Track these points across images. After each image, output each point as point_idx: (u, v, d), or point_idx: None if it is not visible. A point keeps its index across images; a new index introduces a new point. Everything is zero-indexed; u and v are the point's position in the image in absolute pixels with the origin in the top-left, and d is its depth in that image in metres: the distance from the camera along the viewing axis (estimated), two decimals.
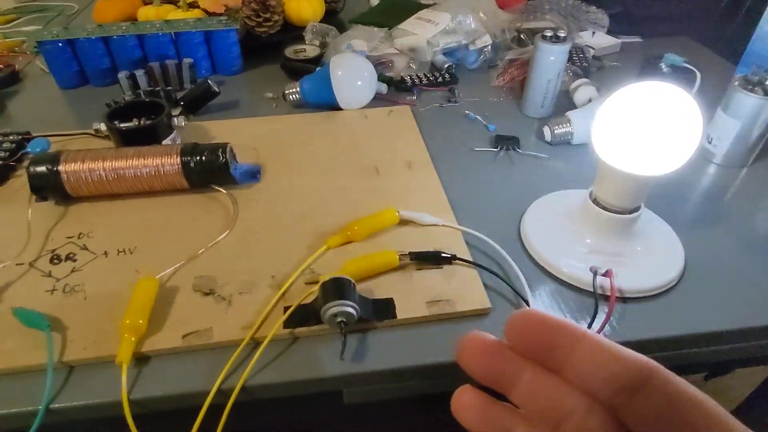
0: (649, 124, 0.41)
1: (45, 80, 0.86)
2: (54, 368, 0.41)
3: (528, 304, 0.46)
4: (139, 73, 0.78)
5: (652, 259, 0.50)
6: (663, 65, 0.79)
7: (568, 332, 0.17)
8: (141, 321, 0.42)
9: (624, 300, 0.48)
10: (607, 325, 0.45)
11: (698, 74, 0.75)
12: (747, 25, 1.00)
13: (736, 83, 0.61)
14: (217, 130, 0.71)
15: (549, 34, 0.68)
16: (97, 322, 0.44)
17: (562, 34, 0.68)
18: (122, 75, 0.78)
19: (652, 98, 0.41)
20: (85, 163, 0.55)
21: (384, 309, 0.45)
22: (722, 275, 0.50)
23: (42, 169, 0.54)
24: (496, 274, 0.49)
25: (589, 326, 0.45)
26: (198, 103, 0.75)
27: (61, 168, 0.54)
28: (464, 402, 0.18)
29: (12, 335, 0.43)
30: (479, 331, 0.18)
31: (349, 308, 0.41)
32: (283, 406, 0.47)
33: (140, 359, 0.42)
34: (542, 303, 0.48)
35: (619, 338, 0.45)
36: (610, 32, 0.96)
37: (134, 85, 0.79)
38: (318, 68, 0.78)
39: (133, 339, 0.41)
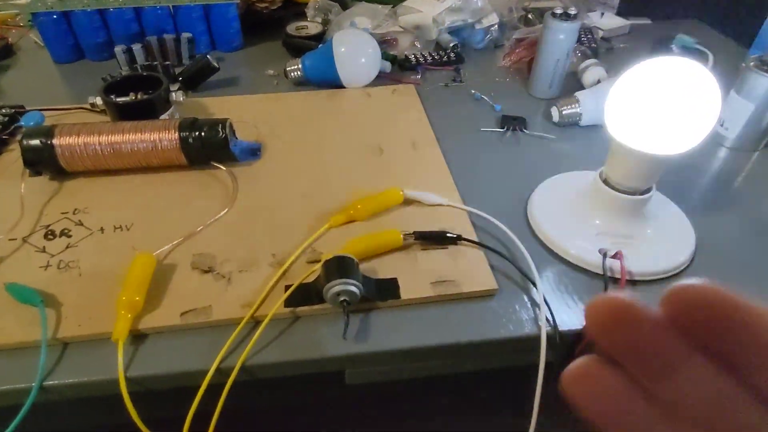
0: (666, 100, 0.40)
1: (39, 54, 0.84)
2: (48, 345, 0.39)
3: (536, 286, 0.45)
4: (137, 48, 0.76)
5: (662, 241, 0.49)
6: (674, 47, 0.77)
7: (751, 317, 0.13)
8: (137, 298, 0.41)
9: (633, 283, 0.47)
10: None
11: (710, 56, 0.73)
12: (758, 7, 0.98)
13: (752, 64, 0.59)
14: (216, 106, 0.69)
15: (559, 11, 0.66)
16: (93, 298, 0.43)
17: (572, 11, 0.66)
18: (119, 49, 0.76)
19: (669, 73, 0.40)
20: (81, 136, 0.53)
21: (387, 289, 0.44)
22: (733, 259, 0.49)
23: (36, 142, 0.52)
24: (503, 255, 0.48)
25: None
26: (197, 79, 0.73)
27: (55, 141, 0.53)
28: (591, 381, 0.15)
29: (5, 311, 0.42)
30: (618, 294, 0.14)
31: (352, 287, 0.40)
32: (283, 387, 0.47)
33: (137, 337, 0.41)
34: (549, 284, 0.46)
35: None
36: (619, 13, 0.94)
37: (131, 59, 0.77)
38: (320, 45, 0.76)
39: (129, 316, 0.40)
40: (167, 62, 0.75)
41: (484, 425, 0.61)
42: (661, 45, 0.80)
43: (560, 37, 0.67)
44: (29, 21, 0.92)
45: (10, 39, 0.85)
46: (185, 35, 0.78)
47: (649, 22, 0.96)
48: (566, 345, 0.44)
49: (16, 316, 0.41)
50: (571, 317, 0.44)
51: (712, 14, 0.98)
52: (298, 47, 0.82)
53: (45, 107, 0.67)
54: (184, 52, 0.78)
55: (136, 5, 0.78)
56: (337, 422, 0.57)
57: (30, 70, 0.81)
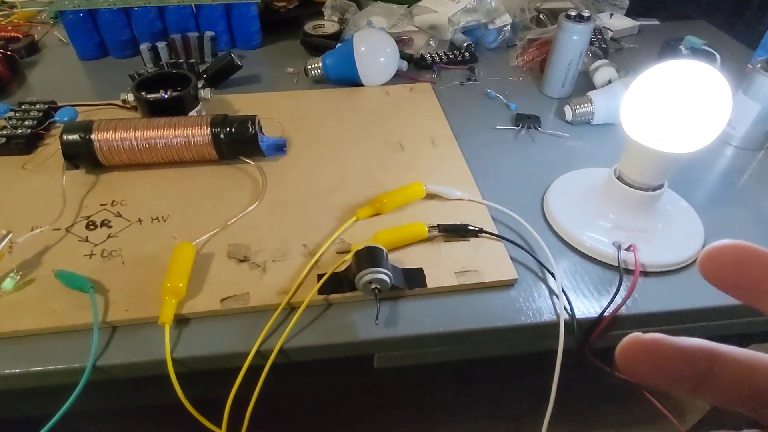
0: (680, 102, 0.42)
1: (64, 51, 0.86)
2: (99, 327, 0.42)
3: (554, 276, 0.48)
4: (161, 45, 0.78)
5: (672, 235, 0.52)
6: (683, 48, 0.79)
7: None
8: (181, 284, 0.43)
9: (645, 274, 0.49)
10: (630, 298, 0.47)
11: (718, 57, 0.76)
12: (763, 9, 1.00)
13: (758, 66, 0.62)
14: (240, 103, 0.72)
15: (573, 13, 0.69)
16: (137, 285, 0.45)
17: (586, 13, 0.68)
18: (144, 47, 0.78)
19: (683, 76, 0.42)
20: (117, 132, 0.55)
21: (414, 278, 0.47)
22: None
23: (75, 137, 0.55)
24: (522, 247, 0.50)
25: (613, 299, 0.46)
26: (220, 77, 0.75)
27: (93, 136, 0.55)
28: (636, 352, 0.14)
29: (56, 296, 0.44)
30: (639, 334, 0.14)
31: (383, 275, 0.43)
32: (315, 371, 0.49)
33: (180, 321, 0.44)
34: (565, 275, 0.49)
35: (639, 310, 0.46)
36: (627, 14, 0.97)
37: (155, 57, 0.79)
38: (339, 44, 0.78)
39: (174, 301, 0.43)
40: (191, 60, 0.77)
41: (501, 410, 0.63)
42: (669, 46, 0.83)
43: (574, 39, 0.69)
44: (53, 18, 0.94)
45: (36, 36, 0.88)
46: (208, 33, 0.80)
47: (657, 22, 0.98)
48: (582, 332, 0.46)
49: (66, 300, 0.44)
50: (586, 306, 0.47)
51: (719, 15, 1.00)
52: (316, 46, 0.84)
53: (76, 103, 0.69)
54: (206, 50, 0.81)
55: (160, 4, 0.80)
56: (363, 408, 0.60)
57: (56, 67, 0.83)
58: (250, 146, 0.58)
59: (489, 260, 0.49)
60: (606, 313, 0.45)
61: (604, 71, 0.75)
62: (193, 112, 0.64)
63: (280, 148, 0.63)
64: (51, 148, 0.62)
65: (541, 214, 0.56)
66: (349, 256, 0.46)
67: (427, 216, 0.53)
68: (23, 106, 0.66)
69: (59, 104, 0.68)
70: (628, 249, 0.49)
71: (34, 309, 0.43)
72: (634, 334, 0.15)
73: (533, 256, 0.50)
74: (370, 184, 0.57)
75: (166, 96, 0.64)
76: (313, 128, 0.67)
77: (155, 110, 0.62)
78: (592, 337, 0.46)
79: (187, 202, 0.55)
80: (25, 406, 0.49)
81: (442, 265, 0.48)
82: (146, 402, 0.50)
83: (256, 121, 0.58)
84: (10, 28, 0.87)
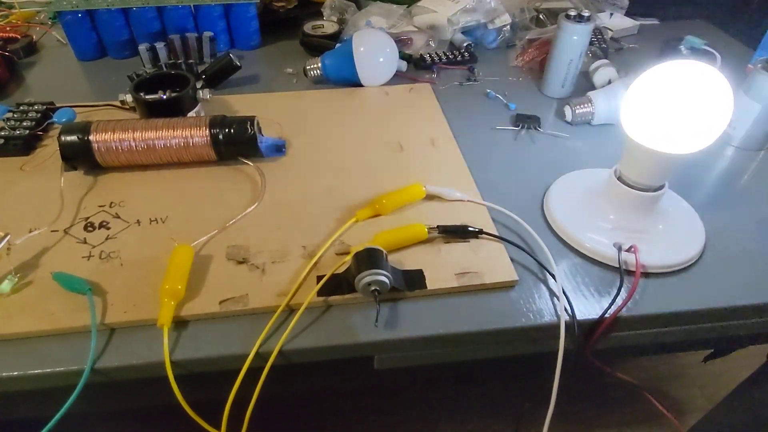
0: (680, 102, 0.42)
1: (62, 51, 0.86)
2: (97, 330, 0.42)
3: (554, 278, 0.47)
4: (160, 46, 0.78)
5: (673, 236, 0.51)
6: (683, 48, 0.79)
7: None
8: (179, 286, 0.43)
9: (646, 275, 0.49)
10: (630, 299, 0.46)
11: (718, 57, 0.76)
12: (764, 9, 1.00)
13: (759, 66, 0.61)
14: (239, 103, 0.71)
15: (573, 13, 0.68)
16: (136, 287, 0.45)
17: (585, 13, 0.68)
18: (143, 47, 0.78)
19: (684, 76, 0.42)
20: (116, 133, 0.55)
21: (414, 279, 0.47)
22: (741, 253, 0.52)
23: (73, 138, 0.55)
24: (522, 248, 0.50)
25: (613, 300, 0.46)
26: (219, 77, 0.75)
27: (92, 138, 0.55)
28: None
29: (54, 298, 0.44)
30: None
31: (383, 277, 0.43)
32: (314, 373, 0.49)
33: (179, 323, 0.44)
34: (565, 276, 0.49)
35: (640, 312, 0.46)
36: (627, 14, 0.96)
37: (154, 57, 0.79)
38: (338, 44, 0.78)
39: (172, 303, 0.43)
40: (190, 60, 0.77)
41: (502, 410, 0.63)
42: (669, 46, 0.82)
43: (574, 39, 0.69)
44: (51, 18, 0.94)
45: (34, 36, 0.87)
46: (207, 34, 0.80)
47: (657, 22, 0.98)
48: (583, 333, 0.46)
49: (64, 303, 0.44)
50: (587, 307, 0.46)
51: (719, 15, 1.00)
52: (315, 46, 0.84)
53: (74, 104, 0.69)
54: (205, 51, 0.80)
55: (158, 4, 0.80)
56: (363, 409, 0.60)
57: (54, 67, 0.83)
58: (249, 147, 0.58)
59: (489, 261, 0.48)
60: (607, 315, 0.45)
61: (604, 71, 0.75)
62: (191, 113, 0.64)
63: (279, 148, 0.63)
64: (49, 149, 0.61)
65: (541, 215, 0.55)
66: (348, 258, 0.46)
67: (426, 217, 0.53)
68: (21, 107, 0.66)
69: (57, 105, 0.68)
70: (628, 250, 0.49)
71: (32, 311, 0.43)
72: None
73: (533, 258, 0.50)
74: (369, 185, 0.57)
75: (164, 97, 0.63)
76: (313, 129, 0.66)
77: (154, 111, 0.62)
78: (593, 339, 0.46)
79: (186, 204, 0.55)
80: (23, 409, 0.49)
81: (442, 267, 0.48)
82: (145, 404, 0.49)
83: (255, 122, 0.58)
84: (8, 28, 0.87)
